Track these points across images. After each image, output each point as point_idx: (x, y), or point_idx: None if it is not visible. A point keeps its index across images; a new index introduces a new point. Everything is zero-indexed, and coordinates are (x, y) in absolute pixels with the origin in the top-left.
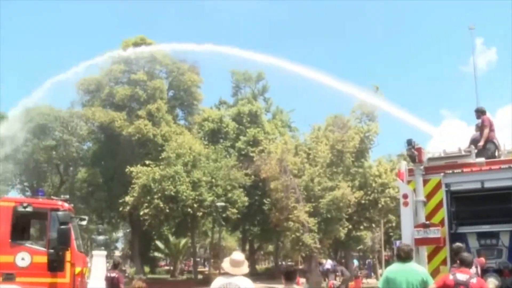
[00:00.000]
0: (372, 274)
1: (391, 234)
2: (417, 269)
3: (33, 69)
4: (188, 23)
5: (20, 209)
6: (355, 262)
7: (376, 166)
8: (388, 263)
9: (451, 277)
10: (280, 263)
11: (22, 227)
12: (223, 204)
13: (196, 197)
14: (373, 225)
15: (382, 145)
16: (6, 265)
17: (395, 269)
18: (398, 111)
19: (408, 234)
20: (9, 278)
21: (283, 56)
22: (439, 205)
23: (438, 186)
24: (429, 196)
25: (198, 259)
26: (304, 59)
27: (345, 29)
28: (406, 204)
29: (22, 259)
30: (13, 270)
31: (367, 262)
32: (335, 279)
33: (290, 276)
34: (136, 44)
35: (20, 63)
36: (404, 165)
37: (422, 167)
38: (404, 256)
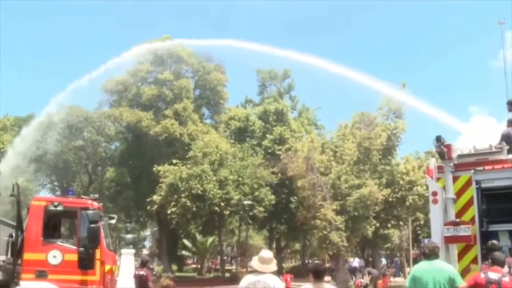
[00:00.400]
0: (400, 272)
1: (419, 232)
2: (444, 267)
3: (54, 72)
4: (206, 23)
5: (51, 208)
6: (383, 261)
7: (403, 164)
8: (416, 261)
9: (482, 275)
10: (306, 261)
11: (53, 226)
12: (250, 202)
13: (223, 196)
14: (401, 223)
15: (409, 142)
16: (38, 262)
17: (422, 268)
18: (426, 107)
19: (437, 232)
20: (41, 275)
21: (308, 51)
22: (469, 203)
23: (468, 183)
24: (459, 193)
25: (225, 258)
26: (327, 56)
27: (370, 25)
28: (435, 201)
29: (54, 257)
30: (45, 268)
31: (394, 261)
32: (363, 278)
33: (319, 275)
34: (161, 44)
35: (45, 66)
36: (433, 162)
37: (451, 164)
38: (429, 253)
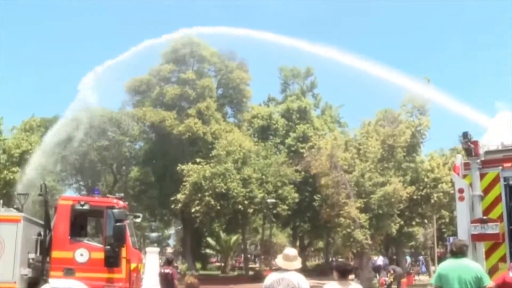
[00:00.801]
0: (425, 270)
1: (444, 230)
2: (470, 265)
3: (81, 72)
4: (224, 22)
5: (78, 207)
6: (408, 259)
7: (428, 161)
8: (441, 259)
9: (511, 274)
10: (330, 259)
11: (80, 225)
12: (273, 200)
13: (247, 194)
14: (426, 221)
15: (433, 139)
16: (66, 260)
17: (448, 265)
18: (451, 103)
19: (464, 230)
20: (69, 273)
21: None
22: (497, 200)
23: (496, 180)
24: (487, 190)
25: (249, 256)
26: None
27: (393, 19)
28: (462, 198)
29: (81, 255)
30: (73, 265)
31: (419, 259)
32: (387, 276)
33: (345, 273)
34: (184, 44)
35: (71, 67)
36: (459, 159)
37: (478, 160)
38: (456, 251)
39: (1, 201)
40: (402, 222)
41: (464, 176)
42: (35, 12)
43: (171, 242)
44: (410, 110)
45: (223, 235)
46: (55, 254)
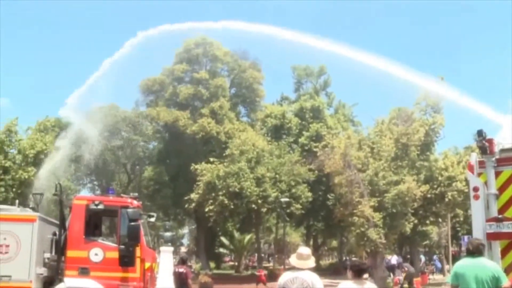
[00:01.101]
0: (440, 266)
1: (458, 229)
2: (487, 264)
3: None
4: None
5: (92, 206)
6: (422, 258)
7: (442, 159)
8: (455, 258)
9: None
10: (344, 258)
11: (94, 224)
12: (287, 199)
13: (260, 193)
14: (440, 220)
15: (448, 137)
16: (81, 259)
17: (464, 264)
18: (465, 100)
19: (479, 229)
20: (84, 272)
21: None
22: None
23: (511, 178)
24: (502, 188)
25: (262, 255)
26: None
27: (407, 17)
28: (477, 197)
29: (96, 254)
30: (87, 265)
31: (434, 258)
32: (401, 275)
33: (360, 272)
34: (197, 44)
35: (86, 68)
36: (474, 157)
37: (494, 158)
38: (473, 250)
39: (17, 201)
40: (416, 221)
41: (479, 175)
42: (52, 13)
43: (185, 241)
44: (424, 108)
45: (236, 234)
46: (70, 253)
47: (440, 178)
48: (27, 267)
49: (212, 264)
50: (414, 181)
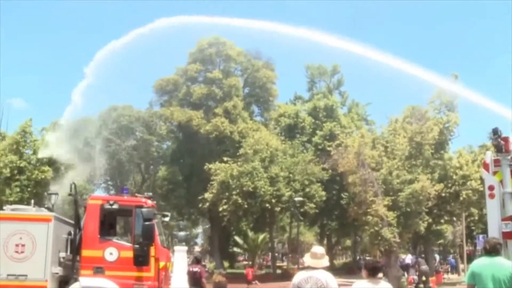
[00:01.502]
0: (454, 268)
1: (473, 228)
2: (505, 263)
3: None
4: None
5: (107, 206)
6: (437, 257)
7: (456, 158)
8: (470, 258)
9: None
10: (358, 257)
11: (109, 224)
12: (301, 199)
13: (274, 193)
14: (454, 219)
15: (462, 136)
16: (96, 259)
17: (481, 264)
18: (479, 98)
19: (495, 227)
20: (99, 271)
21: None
22: None
23: None
24: None
25: (276, 254)
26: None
27: (422, 14)
28: (492, 196)
29: (110, 253)
30: (102, 264)
31: (448, 259)
32: (415, 274)
33: (376, 271)
34: (210, 44)
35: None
36: (489, 156)
37: (509, 157)
38: (490, 249)
39: (32, 201)
40: (430, 220)
41: (494, 173)
42: (66, 12)
43: (199, 241)
44: (438, 106)
45: (250, 233)
46: (85, 253)
47: (454, 177)
48: (42, 267)
49: (226, 263)
50: (428, 180)
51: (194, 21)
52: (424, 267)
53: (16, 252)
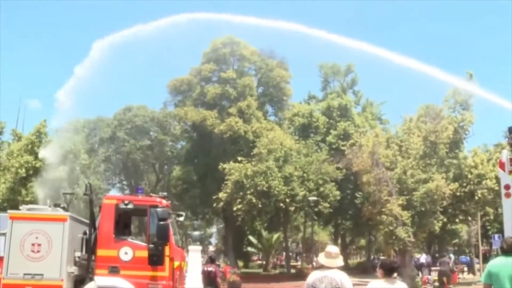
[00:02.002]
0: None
1: (489, 227)
2: None
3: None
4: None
5: (122, 206)
6: (452, 257)
7: (471, 157)
8: (486, 257)
9: None
10: (372, 257)
11: (124, 223)
12: (315, 198)
13: (288, 192)
14: (469, 218)
15: (477, 135)
16: (111, 258)
17: (498, 263)
18: (494, 97)
19: (510, 227)
20: (114, 270)
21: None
22: None
23: None
24: None
25: (290, 254)
26: (390, 48)
27: (435, 13)
28: (508, 195)
29: (125, 253)
30: (117, 264)
31: (461, 258)
32: (430, 274)
33: (391, 271)
34: (224, 43)
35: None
36: (505, 155)
37: None
38: (507, 249)
39: (48, 200)
40: (445, 220)
41: (510, 172)
42: (79, 13)
43: (213, 240)
44: (453, 105)
45: (264, 233)
46: (100, 252)
47: (469, 176)
48: (58, 266)
49: (240, 263)
50: (443, 179)
51: (208, 18)
52: (444, 267)
53: (32, 251)
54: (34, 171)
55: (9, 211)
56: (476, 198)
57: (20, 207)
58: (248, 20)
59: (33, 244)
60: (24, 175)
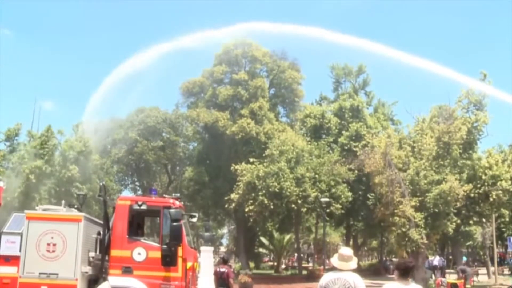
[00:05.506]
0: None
1: (504, 229)
2: None
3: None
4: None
5: (135, 207)
6: (464, 258)
7: (486, 158)
8: (501, 260)
9: None
10: (384, 259)
11: (137, 224)
12: (327, 199)
13: (300, 193)
14: (484, 220)
15: (491, 135)
16: (124, 259)
17: None
18: (510, 98)
19: None
20: (127, 271)
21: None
22: None
23: None
24: None
25: (302, 255)
26: (401, 48)
27: (447, 12)
28: None
29: (139, 254)
30: (130, 264)
31: (481, 259)
32: (443, 277)
33: (406, 272)
34: (236, 45)
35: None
36: None
37: None
38: None
39: (63, 201)
40: (459, 221)
41: None
42: (93, 15)
43: (225, 241)
44: (466, 105)
45: (276, 234)
46: (114, 252)
47: (484, 177)
48: (72, 266)
49: (251, 264)
50: (457, 180)
51: (222, 35)
52: (468, 269)
53: (48, 251)
54: (45, 176)
55: (25, 211)
56: (491, 199)
57: (36, 208)
58: (260, 25)
59: (48, 244)
60: (34, 181)
